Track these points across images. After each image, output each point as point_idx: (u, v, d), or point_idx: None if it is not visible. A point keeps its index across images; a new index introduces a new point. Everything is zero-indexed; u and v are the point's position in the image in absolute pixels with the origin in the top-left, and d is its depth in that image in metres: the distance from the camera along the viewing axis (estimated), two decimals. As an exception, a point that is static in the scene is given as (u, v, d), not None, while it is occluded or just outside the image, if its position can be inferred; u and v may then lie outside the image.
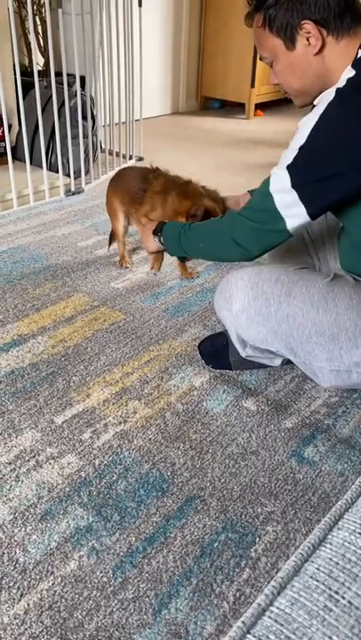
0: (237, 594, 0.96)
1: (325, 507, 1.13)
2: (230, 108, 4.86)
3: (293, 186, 1.09)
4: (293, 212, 1.11)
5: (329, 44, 1.12)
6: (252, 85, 4.43)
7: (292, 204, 1.11)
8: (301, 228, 1.17)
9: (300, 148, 1.08)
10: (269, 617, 0.47)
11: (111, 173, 3.09)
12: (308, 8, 1.09)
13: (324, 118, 1.06)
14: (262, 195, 1.15)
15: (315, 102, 1.13)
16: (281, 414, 1.37)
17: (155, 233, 1.45)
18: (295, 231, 1.16)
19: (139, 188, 1.82)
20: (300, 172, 1.09)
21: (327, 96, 1.08)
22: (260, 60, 1.25)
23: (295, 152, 1.09)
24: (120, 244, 2.07)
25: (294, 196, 1.09)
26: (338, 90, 1.06)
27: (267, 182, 1.15)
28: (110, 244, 2.18)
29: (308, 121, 1.09)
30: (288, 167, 1.10)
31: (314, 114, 1.08)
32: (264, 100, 4.59)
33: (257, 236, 1.20)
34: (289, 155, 1.11)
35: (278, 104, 4.85)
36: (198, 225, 1.36)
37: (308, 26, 1.10)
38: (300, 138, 1.09)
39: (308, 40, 1.11)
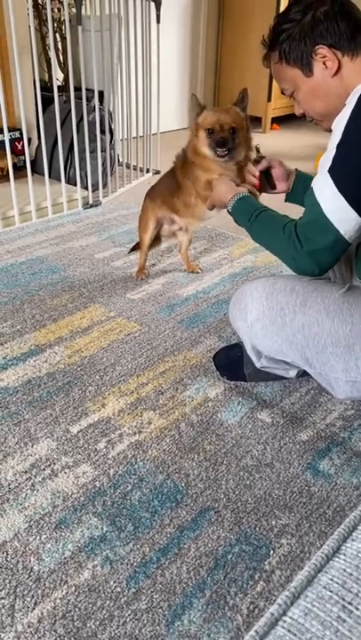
0: (251, 606, 0.95)
1: (340, 520, 1.12)
2: (247, 121, 4.89)
3: (339, 190, 1.08)
4: (344, 216, 1.09)
5: (345, 64, 1.14)
6: (269, 99, 4.46)
7: (340, 209, 1.09)
8: (357, 233, 1.12)
9: (338, 146, 1.08)
10: (282, 627, 0.47)
11: (128, 186, 3.14)
12: (320, 35, 1.13)
13: (357, 111, 1.06)
14: (310, 205, 1.14)
15: (346, 102, 1.12)
16: (296, 427, 1.37)
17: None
18: (351, 237, 1.12)
19: (172, 182, 1.84)
20: (341, 172, 1.08)
21: (357, 93, 1.08)
22: (283, 93, 1.27)
23: (333, 152, 1.09)
24: (142, 255, 2.09)
25: (342, 200, 1.08)
26: None
27: (311, 193, 1.14)
28: (132, 250, 2.23)
29: (342, 118, 1.09)
30: (329, 171, 1.09)
31: (346, 110, 1.09)
32: (280, 114, 4.62)
33: (316, 257, 1.16)
34: (328, 155, 1.10)
35: (295, 118, 4.87)
36: (265, 220, 1.29)
37: (323, 50, 1.13)
38: (337, 136, 1.09)
39: (324, 64, 1.14)
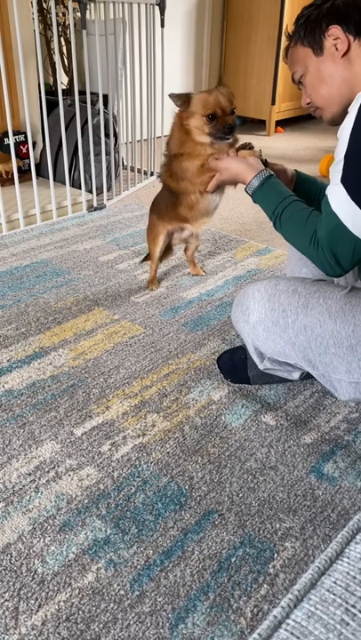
0: (255, 610, 0.95)
1: (345, 523, 1.11)
2: (251, 124, 4.90)
3: (352, 198, 1.09)
4: (359, 222, 1.10)
5: (354, 48, 1.16)
6: (273, 102, 4.47)
7: (355, 216, 1.10)
8: None
9: (346, 157, 1.09)
10: (286, 629, 0.47)
11: (133, 189, 3.15)
12: (336, 18, 1.16)
13: (360, 119, 1.07)
14: (327, 215, 1.15)
15: (348, 109, 1.13)
16: (300, 429, 1.36)
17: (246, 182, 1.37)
18: None
19: (169, 196, 1.82)
20: (351, 181, 1.09)
21: (359, 100, 1.09)
22: (293, 81, 1.29)
23: (342, 162, 1.10)
24: (153, 265, 2.06)
25: (355, 208, 1.09)
26: None
27: (326, 202, 1.14)
28: (144, 260, 2.23)
29: (346, 126, 1.10)
30: (341, 181, 1.10)
31: (349, 118, 1.09)
32: (285, 116, 4.63)
33: (340, 262, 1.16)
34: (338, 167, 1.11)
35: (299, 121, 4.87)
36: (293, 219, 1.25)
37: (336, 30, 1.15)
38: (343, 145, 1.09)
39: (335, 46, 1.16)
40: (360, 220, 1.10)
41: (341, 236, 1.13)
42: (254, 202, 1.36)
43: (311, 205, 1.27)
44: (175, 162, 1.70)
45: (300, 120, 4.92)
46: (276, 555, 1.05)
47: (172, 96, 1.62)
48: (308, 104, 1.28)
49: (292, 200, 1.28)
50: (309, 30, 1.19)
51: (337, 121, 1.20)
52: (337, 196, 1.12)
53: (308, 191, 1.47)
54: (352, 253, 1.15)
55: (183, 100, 1.61)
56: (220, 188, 1.63)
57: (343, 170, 1.10)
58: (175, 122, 1.66)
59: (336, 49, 1.17)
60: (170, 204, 1.84)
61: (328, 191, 1.15)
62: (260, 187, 1.32)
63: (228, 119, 1.56)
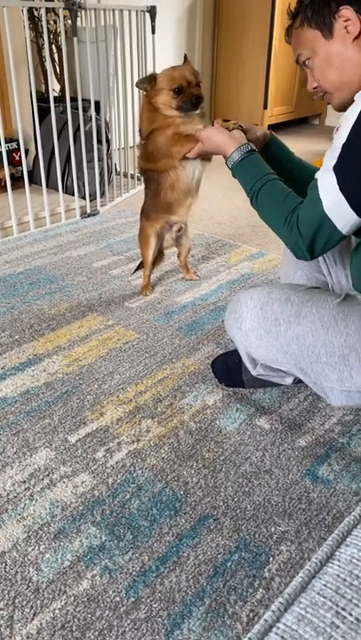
0: (251, 614, 0.95)
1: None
2: (244, 129, 4.91)
3: (340, 188, 1.08)
4: (342, 214, 1.09)
5: None
6: (265, 107, 4.48)
7: (339, 207, 1.09)
8: (354, 229, 1.13)
9: (344, 146, 1.07)
10: (276, 633, 0.47)
11: (126, 195, 3.15)
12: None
13: None
14: (312, 200, 1.13)
15: (355, 97, 1.10)
16: (295, 433, 1.36)
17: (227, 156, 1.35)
18: (348, 231, 1.13)
19: (152, 185, 1.83)
20: (345, 171, 1.08)
21: None
22: (297, 62, 1.24)
23: (338, 151, 1.08)
24: (147, 271, 2.05)
25: (342, 198, 1.08)
26: None
27: (315, 187, 1.13)
28: (137, 269, 2.21)
29: (350, 115, 1.07)
30: (334, 168, 1.09)
31: (355, 107, 1.07)
32: (277, 121, 4.64)
33: (313, 247, 1.17)
34: (334, 154, 1.10)
35: (291, 125, 4.89)
36: (270, 198, 1.25)
37: (348, 12, 1.11)
38: (344, 134, 1.08)
39: (345, 29, 1.12)
40: (343, 211, 1.09)
41: (322, 223, 1.12)
42: (233, 176, 1.34)
43: (275, 169, 1.27)
44: (149, 142, 1.72)
45: (293, 124, 4.94)
46: (271, 559, 1.05)
47: (138, 84, 1.67)
48: (315, 88, 1.23)
49: (271, 178, 1.26)
50: (317, 11, 1.13)
51: (347, 106, 1.14)
52: (326, 184, 1.10)
53: (277, 153, 1.44)
54: (325, 242, 1.15)
55: (149, 80, 1.65)
56: (198, 158, 1.65)
57: (338, 158, 1.08)
58: (143, 103, 1.68)
59: (347, 31, 1.11)
60: (153, 195, 1.83)
61: (318, 176, 1.14)
62: (241, 161, 1.31)
63: (195, 91, 1.62)
